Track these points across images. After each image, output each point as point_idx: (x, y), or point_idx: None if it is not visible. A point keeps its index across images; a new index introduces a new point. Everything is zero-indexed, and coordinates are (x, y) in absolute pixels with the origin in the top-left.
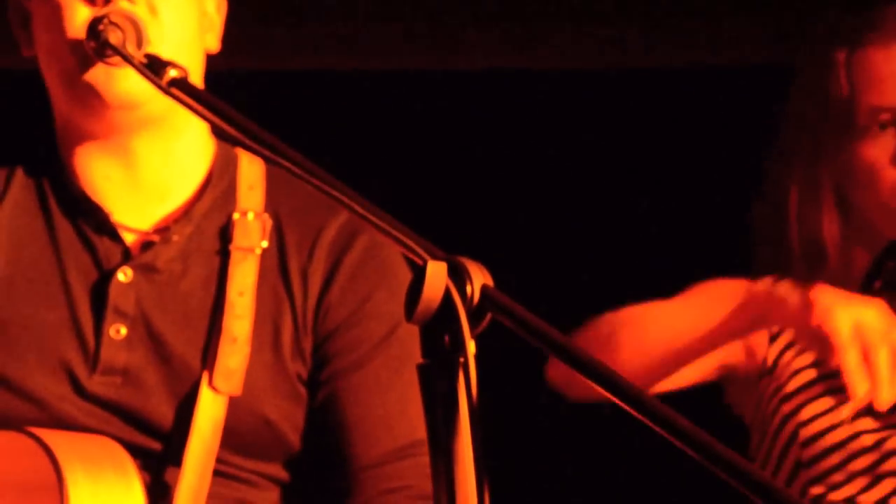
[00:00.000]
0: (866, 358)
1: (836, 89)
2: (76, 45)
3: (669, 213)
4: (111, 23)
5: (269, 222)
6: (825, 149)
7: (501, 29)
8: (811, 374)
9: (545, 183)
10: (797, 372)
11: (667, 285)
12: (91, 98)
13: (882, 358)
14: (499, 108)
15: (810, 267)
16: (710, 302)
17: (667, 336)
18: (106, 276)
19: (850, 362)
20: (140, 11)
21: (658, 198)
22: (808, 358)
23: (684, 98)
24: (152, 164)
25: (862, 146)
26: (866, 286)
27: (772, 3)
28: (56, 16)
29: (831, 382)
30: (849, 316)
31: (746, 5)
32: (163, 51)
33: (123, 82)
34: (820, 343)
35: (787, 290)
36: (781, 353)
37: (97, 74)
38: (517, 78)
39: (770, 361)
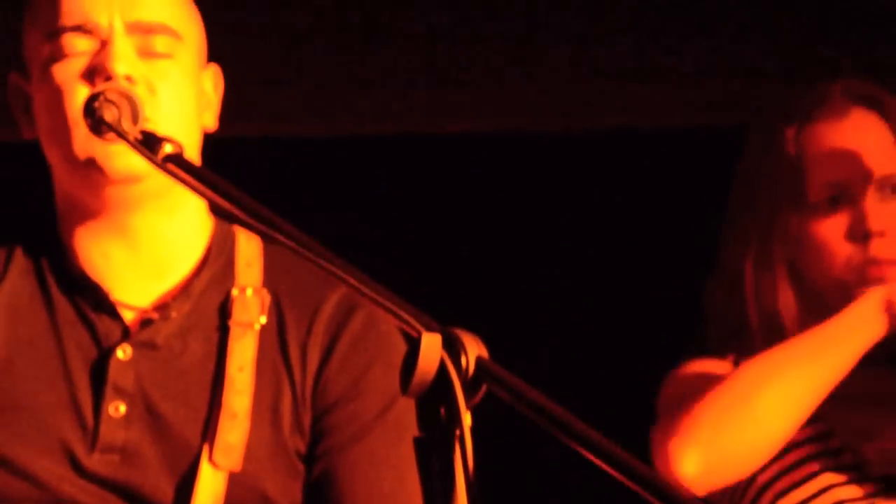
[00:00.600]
0: None
1: (786, 165)
2: (77, 124)
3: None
4: (107, 100)
5: (268, 298)
6: (777, 227)
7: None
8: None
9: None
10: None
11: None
12: (92, 173)
13: None
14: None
15: (768, 341)
16: (828, 335)
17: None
18: (105, 354)
19: None
20: (139, 91)
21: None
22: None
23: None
24: (151, 242)
25: (814, 222)
26: None
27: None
28: (56, 97)
29: (806, 449)
30: None
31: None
32: (161, 129)
33: (123, 157)
34: None
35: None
36: None
37: (98, 151)
38: (517, 142)
39: None
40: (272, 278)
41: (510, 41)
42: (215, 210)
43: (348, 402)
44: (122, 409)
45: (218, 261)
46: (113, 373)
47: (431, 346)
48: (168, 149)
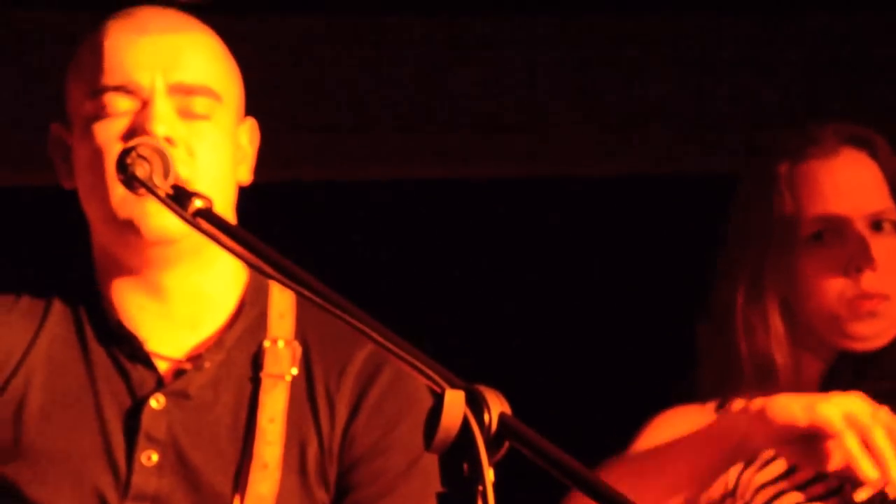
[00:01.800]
0: (865, 444)
1: (778, 202)
2: (115, 184)
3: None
4: (139, 156)
5: (299, 350)
6: (769, 262)
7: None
8: (778, 487)
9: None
10: (762, 487)
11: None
12: (129, 233)
13: (880, 440)
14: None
15: (760, 382)
16: (688, 445)
17: (664, 492)
18: (139, 403)
19: (853, 448)
20: (178, 152)
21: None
22: (771, 472)
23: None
24: (185, 298)
25: (806, 257)
26: None
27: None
28: (97, 156)
29: (797, 494)
30: (836, 406)
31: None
32: (198, 189)
33: (159, 218)
34: (807, 450)
35: (756, 406)
36: (742, 472)
37: (135, 211)
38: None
39: (731, 483)
40: (304, 330)
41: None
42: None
43: (375, 458)
44: (155, 457)
45: (251, 312)
46: (146, 422)
47: (455, 402)
48: (198, 204)
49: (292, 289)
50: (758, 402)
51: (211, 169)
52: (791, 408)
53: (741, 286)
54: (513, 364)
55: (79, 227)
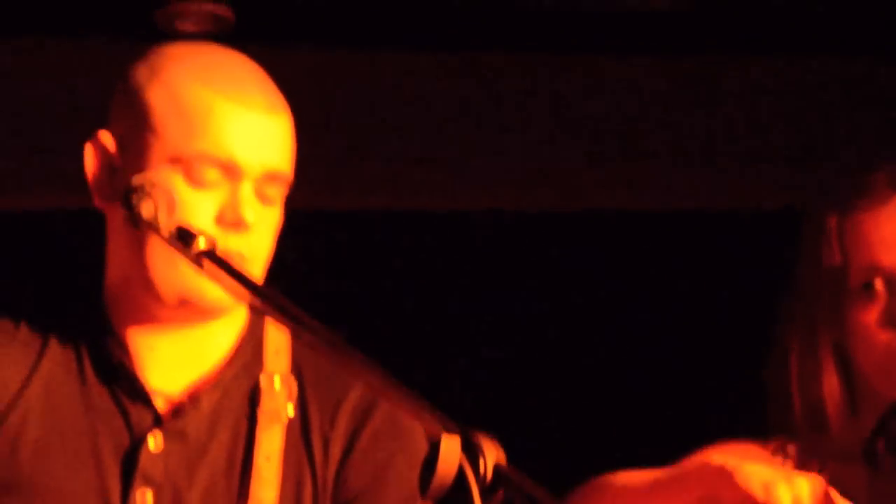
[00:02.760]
0: None
1: (828, 254)
2: (172, 260)
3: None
4: (145, 193)
5: (295, 386)
6: (822, 312)
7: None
8: None
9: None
10: None
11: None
12: (186, 302)
13: None
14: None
15: (813, 429)
16: (662, 484)
17: None
18: (136, 442)
19: None
20: (250, 237)
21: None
22: None
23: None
24: (194, 339)
25: (854, 309)
26: (869, 447)
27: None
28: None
29: None
30: (788, 491)
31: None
32: (255, 265)
33: (216, 289)
34: None
35: (729, 465)
36: None
37: (196, 283)
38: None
39: None
40: (299, 365)
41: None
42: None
43: (368, 496)
44: (150, 497)
45: (248, 349)
46: (143, 461)
47: (451, 449)
48: (202, 244)
49: (294, 331)
50: (731, 463)
51: (266, 251)
52: (753, 480)
53: (796, 334)
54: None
55: (87, 257)
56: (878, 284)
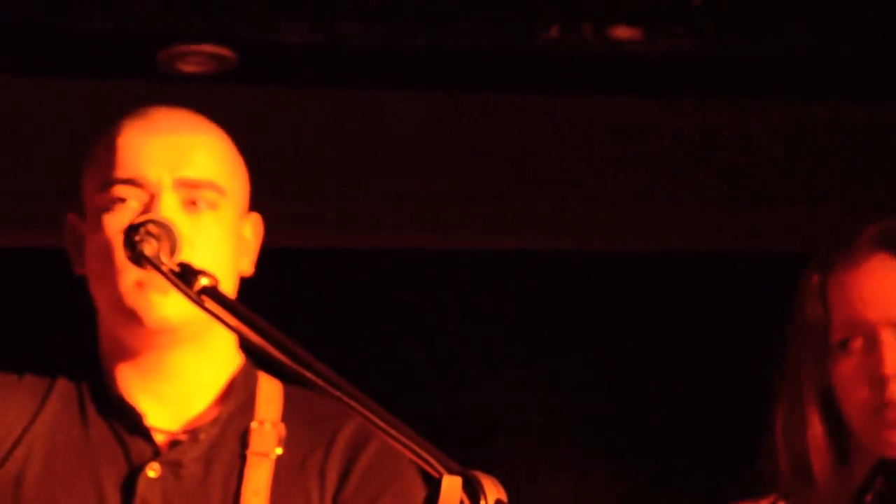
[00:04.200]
0: None
1: (812, 310)
2: (122, 274)
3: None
4: (147, 233)
5: (284, 431)
6: (807, 366)
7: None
8: None
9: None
10: None
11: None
12: (133, 322)
13: None
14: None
15: (799, 482)
16: None
17: None
18: (135, 472)
19: None
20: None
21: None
22: None
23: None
24: (184, 379)
25: (836, 364)
26: (858, 502)
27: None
28: (106, 246)
29: None
30: None
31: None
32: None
33: (162, 309)
34: None
35: None
36: None
37: (139, 301)
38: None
39: None
40: (290, 413)
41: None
42: (245, 346)
43: None
44: None
45: (242, 394)
46: (142, 489)
47: (452, 488)
48: (204, 282)
49: (293, 368)
50: None
51: (210, 260)
52: None
53: (784, 387)
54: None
55: (87, 309)
56: (857, 341)
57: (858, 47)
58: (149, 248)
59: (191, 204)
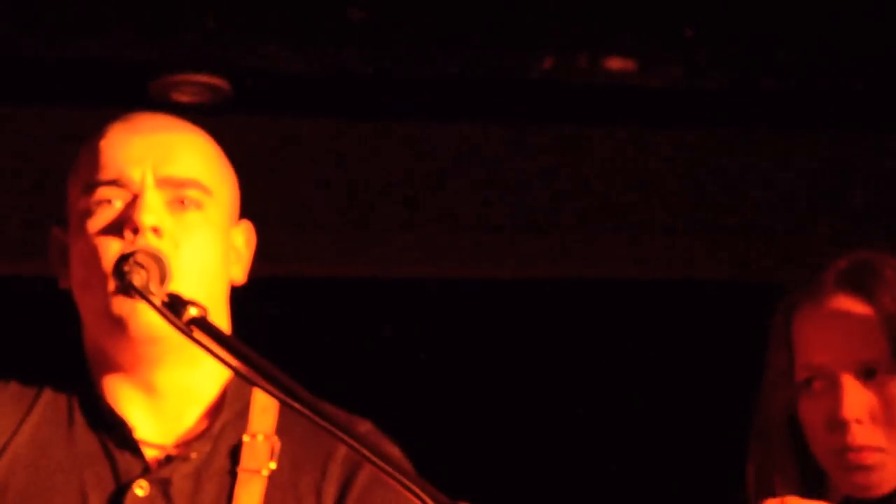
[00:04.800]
0: None
1: (777, 352)
2: (107, 278)
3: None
4: (136, 263)
5: (278, 444)
6: (776, 406)
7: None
8: None
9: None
10: None
11: None
12: (117, 331)
13: None
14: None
15: None
16: None
17: None
18: (123, 489)
19: None
20: (164, 244)
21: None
22: None
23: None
24: (171, 393)
25: (800, 404)
26: None
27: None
28: (90, 250)
29: None
30: None
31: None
32: (182, 279)
33: (146, 316)
34: None
35: None
36: None
37: (125, 308)
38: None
39: None
40: (286, 425)
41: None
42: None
43: None
44: None
45: (235, 406)
46: None
47: None
48: (193, 312)
49: (280, 399)
50: None
51: (196, 262)
52: None
53: (755, 428)
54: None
55: (75, 321)
56: (817, 383)
57: (850, 80)
58: (138, 279)
59: (177, 203)
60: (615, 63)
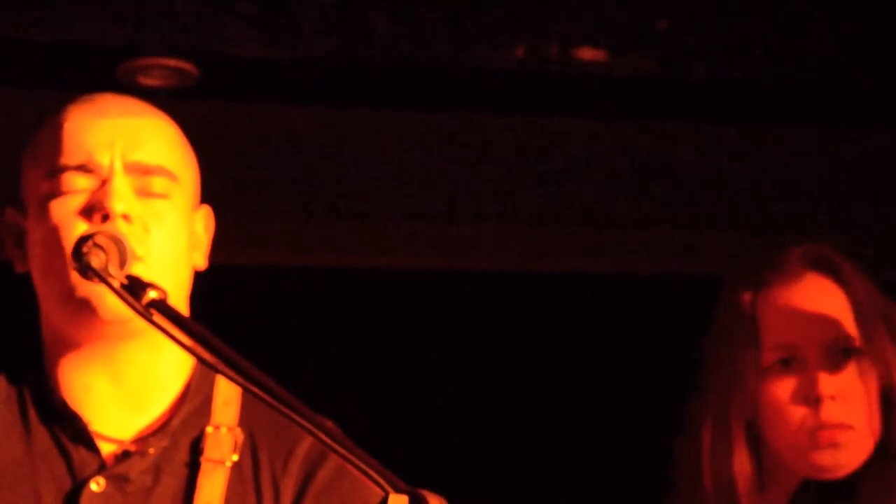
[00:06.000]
0: None
1: (742, 330)
2: (73, 262)
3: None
4: (95, 244)
5: (241, 436)
6: (735, 389)
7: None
8: None
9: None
10: None
11: None
12: (84, 312)
13: None
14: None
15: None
16: None
17: None
18: (79, 486)
19: None
20: (134, 229)
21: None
22: None
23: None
24: (134, 376)
25: (768, 384)
26: None
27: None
28: (54, 235)
29: None
30: None
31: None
32: (153, 266)
33: (111, 297)
34: None
35: None
36: None
37: (92, 291)
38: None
39: None
40: (248, 417)
41: None
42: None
43: None
44: None
45: (196, 398)
46: (84, 503)
47: None
48: (152, 295)
49: (241, 385)
50: None
51: (165, 247)
52: None
53: (709, 411)
54: (472, 468)
55: (28, 308)
56: (791, 361)
57: (819, 72)
58: (96, 261)
59: (145, 189)
60: (586, 53)
